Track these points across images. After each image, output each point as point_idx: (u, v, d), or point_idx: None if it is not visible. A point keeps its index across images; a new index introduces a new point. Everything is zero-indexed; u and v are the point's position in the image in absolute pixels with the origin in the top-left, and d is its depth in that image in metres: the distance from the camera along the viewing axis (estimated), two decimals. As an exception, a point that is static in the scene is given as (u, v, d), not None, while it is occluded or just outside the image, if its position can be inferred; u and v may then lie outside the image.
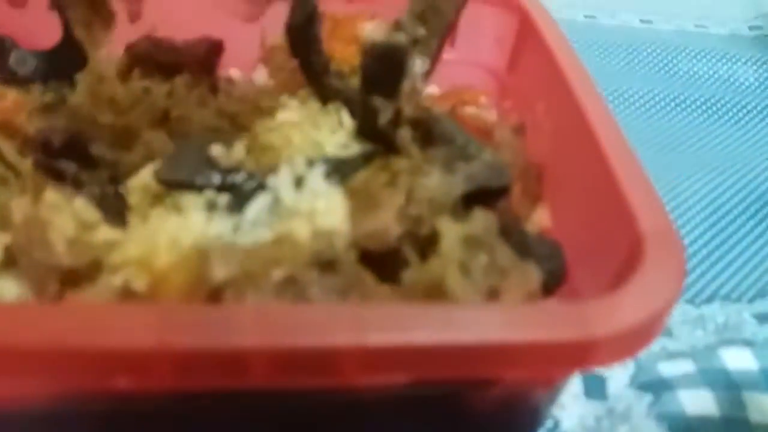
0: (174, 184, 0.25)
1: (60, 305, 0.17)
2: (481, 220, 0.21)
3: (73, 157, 0.26)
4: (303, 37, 0.30)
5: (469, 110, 0.31)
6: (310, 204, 0.20)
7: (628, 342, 0.16)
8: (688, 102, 0.43)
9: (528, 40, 0.30)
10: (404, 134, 0.23)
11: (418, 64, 0.32)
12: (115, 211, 0.25)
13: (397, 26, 0.31)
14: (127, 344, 0.14)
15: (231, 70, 0.33)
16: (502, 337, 0.15)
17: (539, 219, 0.25)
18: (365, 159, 0.24)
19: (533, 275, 0.19)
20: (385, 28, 0.32)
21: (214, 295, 0.17)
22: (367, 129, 0.24)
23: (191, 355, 0.14)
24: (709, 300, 0.30)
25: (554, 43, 0.28)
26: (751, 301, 0.30)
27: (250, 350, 0.14)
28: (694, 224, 0.34)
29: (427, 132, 0.24)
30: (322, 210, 0.20)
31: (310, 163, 0.23)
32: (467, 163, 0.23)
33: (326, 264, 0.18)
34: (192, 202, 0.24)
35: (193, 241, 0.21)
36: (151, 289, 0.18)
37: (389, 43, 0.24)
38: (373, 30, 0.32)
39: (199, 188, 0.25)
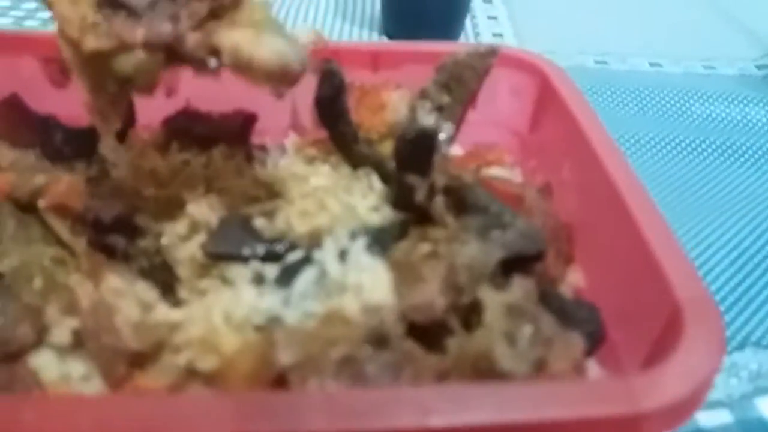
0: (220, 257, 0.26)
1: (139, 396, 0.18)
2: (521, 287, 0.22)
3: (121, 232, 0.28)
4: (331, 108, 0.31)
5: (494, 171, 0.32)
6: (357, 278, 0.21)
7: (674, 415, 0.17)
8: (703, 146, 0.44)
9: (548, 100, 0.32)
10: (438, 204, 0.25)
11: (444, 130, 0.33)
12: (165, 282, 0.27)
13: (423, 94, 0.33)
14: (206, 433, 0.15)
15: (265, 138, 0.35)
16: (556, 414, 0.16)
17: (573, 280, 0.26)
18: (402, 228, 0.25)
19: (577, 344, 0.20)
20: (410, 96, 0.33)
21: (279, 378, 0.18)
22: (402, 203, 0.25)
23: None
24: (741, 347, 0.30)
25: (574, 103, 0.29)
26: (782, 347, 0.30)
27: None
28: (720, 270, 0.34)
29: (460, 200, 0.25)
30: (368, 284, 0.21)
31: (353, 235, 0.24)
32: (503, 231, 0.24)
33: (379, 340, 0.19)
34: (239, 274, 0.25)
35: (246, 316, 0.22)
36: (217, 371, 0.19)
37: (421, 127, 0.25)
38: (398, 99, 0.34)
39: (245, 259, 0.26)
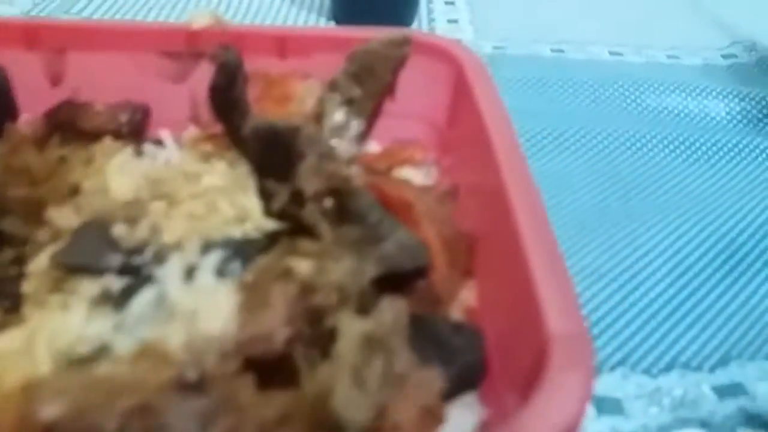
0: (73, 268, 0.23)
1: None
2: (388, 312, 0.19)
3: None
4: (226, 98, 0.28)
5: (407, 171, 0.29)
6: (192, 302, 0.19)
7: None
8: (654, 141, 0.41)
9: (463, 93, 0.29)
10: (311, 213, 0.22)
11: (353, 126, 0.30)
12: (10, 297, 0.24)
13: (333, 86, 0.30)
14: None
15: (161, 130, 0.32)
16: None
17: (466, 298, 0.23)
18: (272, 239, 0.22)
19: (432, 383, 0.17)
20: (319, 87, 0.30)
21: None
22: (270, 212, 0.22)
23: None
24: (668, 368, 0.27)
25: (484, 98, 0.26)
26: (712, 370, 0.27)
27: None
28: (655, 280, 0.31)
29: (342, 208, 0.23)
30: (205, 310, 0.18)
31: (207, 247, 0.21)
32: (378, 244, 0.21)
33: (195, 383, 0.16)
34: (86, 292, 0.22)
35: (71, 344, 0.19)
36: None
37: (274, 125, 0.22)
38: (306, 90, 0.31)
39: (100, 272, 0.23)
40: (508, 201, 0.20)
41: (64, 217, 0.25)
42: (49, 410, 0.14)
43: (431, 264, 0.22)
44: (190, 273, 0.20)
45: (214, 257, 0.21)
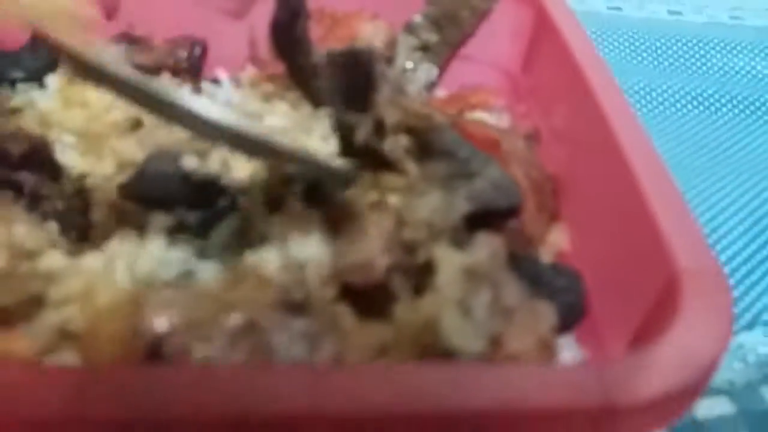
0: (141, 201, 0.22)
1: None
2: (485, 247, 0.18)
3: (35, 168, 0.24)
4: (288, 36, 0.27)
5: (478, 115, 0.28)
6: (283, 230, 0.18)
7: (659, 411, 0.13)
8: (722, 100, 0.40)
9: (544, 36, 0.27)
10: (395, 147, 0.20)
11: (425, 72, 0.29)
12: (78, 228, 0.23)
13: (409, 29, 0.28)
14: (40, 416, 0.11)
15: (218, 70, 0.31)
16: (502, 405, 0.12)
17: (556, 240, 0.21)
18: (353, 175, 0.21)
19: (546, 316, 0.16)
20: (386, 30, 0.29)
21: (154, 348, 0.14)
22: (348, 149, 0.20)
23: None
24: (750, 326, 0.26)
25: (573, 40, 0.25)
26: (797, 328, 0.26)
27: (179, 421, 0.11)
28: (732, 239, 0.30)
29: (426, 144, 0.21)
30: (295, 237, 0.17)
31: (288, 181, 0.20)
32: (470, 181, 0.20)
33: (298, 304, 0.15)
34: (159, 222, 0.21)
35: (152, 270, 0.18)
36: (88, 333, 0.15)
37: (353, 48, 0.21)
38: (373, 31, 0.29)
39: (169, 205, 0.22)
40: (616, 139, 0.19)
41: (127, 149, 0.25)
42: (161, 322, 0.13)
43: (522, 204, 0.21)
44: (274, 204, 0.19)
45: (298, 188, 0.19)
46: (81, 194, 0.24)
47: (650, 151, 0.19)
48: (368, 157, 0.21)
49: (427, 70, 0.29)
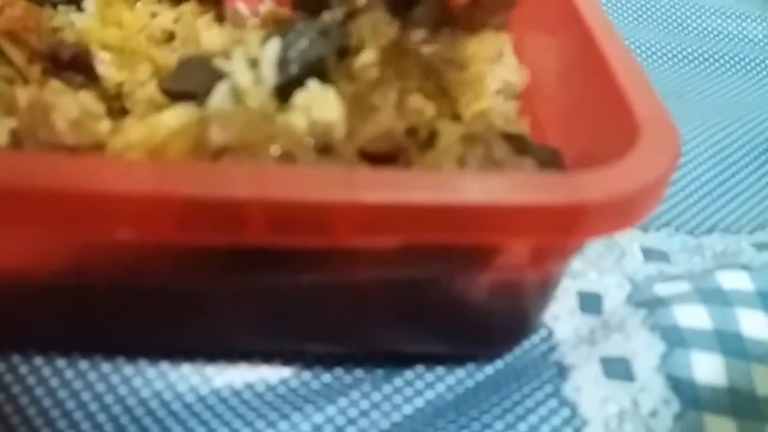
0: (177, 94, 0.25)
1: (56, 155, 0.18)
2: (481, 121, 0.21)
3: (79, 72, 0.27)
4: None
5: None
6: (306, 100, 0.21)
7: (620, 210, 0.16)
8: (696, 55, 0.43)
9: None
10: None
11: None
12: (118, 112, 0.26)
13: None
14: (126, 190, 0.14)
15: (238, 2, 0.33)
16: (493, 198, 0.15)
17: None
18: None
19: (529, 169, 0.19)
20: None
21: (214, 159, 0.17)
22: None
23: (188, 203, 0.14)
24: (709, 231, 0.30)
25: None
26: (751, 232, 0.30)
27: (246, 201, 0.15)
28: (696, 164, 0.34)
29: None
30: (318, 105, 0.20)
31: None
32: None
33: (324, 148, 0.19)
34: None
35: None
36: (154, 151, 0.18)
37: None
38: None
39: (203, 97, 0.25)
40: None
41: (161, 57, 0.27)
42: (219, 135, 0.16)
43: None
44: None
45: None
46: (119, 98, 0.27)
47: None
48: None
49: None
